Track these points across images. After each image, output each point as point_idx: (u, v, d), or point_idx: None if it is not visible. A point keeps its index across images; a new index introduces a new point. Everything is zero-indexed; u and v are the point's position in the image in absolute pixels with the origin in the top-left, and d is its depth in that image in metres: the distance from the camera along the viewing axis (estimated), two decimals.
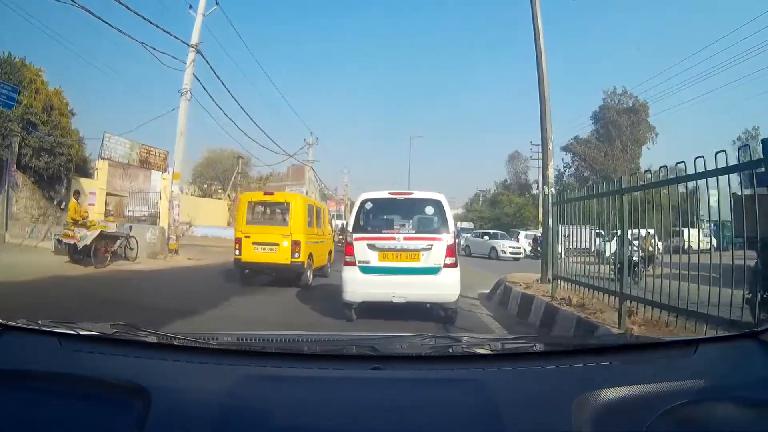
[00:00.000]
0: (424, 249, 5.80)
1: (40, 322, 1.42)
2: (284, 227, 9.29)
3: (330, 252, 11.75)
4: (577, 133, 42.92)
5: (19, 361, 1.27)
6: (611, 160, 39.11)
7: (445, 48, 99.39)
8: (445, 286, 5.75)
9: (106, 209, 20.82)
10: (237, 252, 9.10)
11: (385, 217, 6.33)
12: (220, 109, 21.56)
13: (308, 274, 9.28)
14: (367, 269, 5.83)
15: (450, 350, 1.40)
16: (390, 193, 6.25)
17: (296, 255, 8.97)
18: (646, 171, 5.18)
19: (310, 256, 9.44)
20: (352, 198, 53.90)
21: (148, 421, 1.02)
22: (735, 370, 1.28)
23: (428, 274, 5.75)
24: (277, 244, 9.02)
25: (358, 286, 5.81)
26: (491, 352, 1.40)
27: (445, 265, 5.77)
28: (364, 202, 6.19)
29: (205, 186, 37.38)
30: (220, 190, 36.03)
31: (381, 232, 5.96)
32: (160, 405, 1.06)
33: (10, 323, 1.37)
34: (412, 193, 6.26)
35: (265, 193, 10.22)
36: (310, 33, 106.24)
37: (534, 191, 42.74)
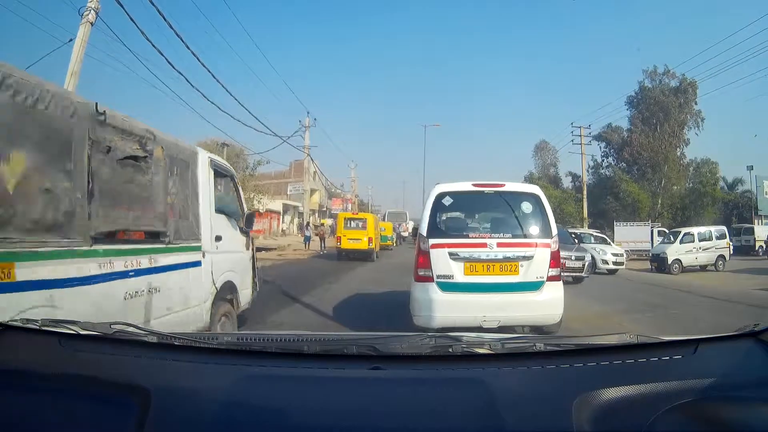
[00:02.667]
0: (523, 259, 4.56)
1: (40, 321, 1.42)
2: (364, 231, 17.95)
3: (378, 244, 20.26)
4: (610, 120, 38.30)
5: (19, 361, 1.27)
6: (655, 148, 34.18)
7: (459, 30, 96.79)
8: (548, 305, 4.56)
9: None
10: (339, 244, 18.11)
11: (470, 216, 5.08)
12: (202, 94, 19.42)
13: (375, 254, 18.44)
14: (448, 286, 4.50)
15: (450, 350, 1.40)
16: (474, 185, 4.85)
17: (370, 245, 17.96)
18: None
19: (376, 245, 18.75)
20: (359, 196, 52.40)
21: (148, 421, 1.02)
22: (735, 370, 1.28)
23: (527, 290, 4.54)
24: (360, 239, 17.81)
25: (436, 309, 4.46)
26: (491, 352, 1.40)
27: (549, 279, 4.57)
28: (440, 196, 4.80)
29: None
30: None
31: (467, 237, 4.66)
32: (160, 405, 1.06)
33: (10, 323, 1.37)
34: (503, 185, 4.92)
35: (353, 213, 21.76)
36: (314, 15, 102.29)
37: (565, 184, 39.90)
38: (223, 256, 4.51)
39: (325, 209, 47.03)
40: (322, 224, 29.80)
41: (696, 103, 34.15)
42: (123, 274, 3.11)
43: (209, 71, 17.16)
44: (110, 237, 3.03)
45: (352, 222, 18.40)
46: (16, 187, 2.34)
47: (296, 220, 35.48)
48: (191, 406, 1.08)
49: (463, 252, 4.55)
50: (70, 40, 9.72)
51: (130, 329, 1.46)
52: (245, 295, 5.10)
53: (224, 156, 25.65)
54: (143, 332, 1.43)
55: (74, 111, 2.75)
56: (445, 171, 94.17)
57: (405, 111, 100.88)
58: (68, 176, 2.68)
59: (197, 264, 4.03)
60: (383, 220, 31.89)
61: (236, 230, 4.99)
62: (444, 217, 4.87)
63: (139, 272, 3.27)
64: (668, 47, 62.22)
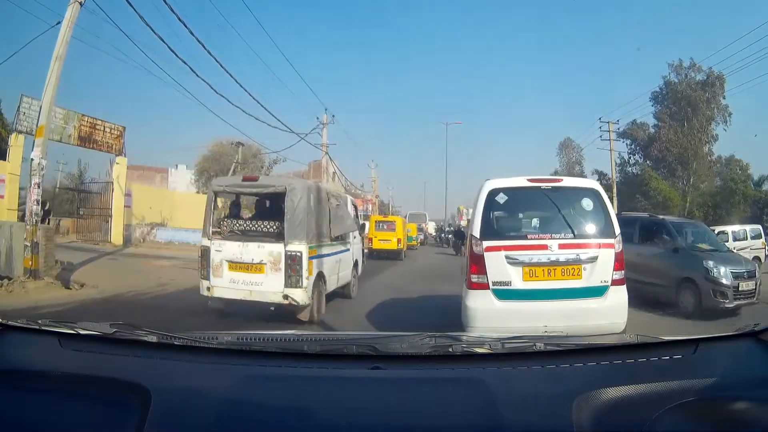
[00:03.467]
0: (587, 261, 4.13)
1: (40, 321, 1.42)
2: (393, 232, 19.59)
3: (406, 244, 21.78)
4: (635, 116, 35.94)
5: (19, 361, 1.27)
6: (683, 144, 32.53)
7: (478, 28, 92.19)
8: (613, 312, 4.09)
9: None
10: (370, 244, 17.88)
11: (526, 215, 4.67)
12: (208, 84, 13.35)
13: (403, 254, 19.86)
14: (506, 294, 4.09)
15: (450, 350, 1.40)
16: (529, 180, 4.42)
17: (399, 245, 19.48)
18: None
19: (404, 245, 20.39)
20: (380, 196, 50.42)
21: (148, 421, 1.02)
22: (735, 370, 1.28)
23: (591, 296, 4.11)
24: (390, 240, 19.36)
25: (493, 320, 4.04)
26: (491, 352, 1.40)
27: (614, 282, 4.13)
28: (492, 193, 4.34)
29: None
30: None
31: (525, 238, 4.23)
32: (160, 405, 1.06)
33: (10, 323, 1.37)
34: (561, 180, 4.59)
35: (383, 216, 24.18)
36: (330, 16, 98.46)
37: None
38: (355, 247, 8.59)
39: None
40: None
41: (724, 98, 32.26)
42: (336, 252, 7.24)
43: (214, 58, 15.44)
44: (335, 238, 7.26)
45: (382, 224, 20.31)
46: (326, 223, 6.87)
47: None
48: (191, 406, 1.08)
49: (522, 255, 4.12)
50: (58, 23, 8.97)
51: (130, 329, 1.46)
52: (360, 266, 9.12)
53: (239, 155, 24.56)
54: (143, 332, 1.43)
55: (327, 193, 7.16)
56: (468, 171, 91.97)
57: (425, 110, 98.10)
58: (327, 216, 6.88)
59: (348, 250, 8.04)
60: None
61: (357, 233, 8.90)
62: (498, 217, 4.42)
63: (339, 252, 7.40)
64: (692, 42, 59.96)
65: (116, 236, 17.28)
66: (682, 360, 1.30)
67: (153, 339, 1.40)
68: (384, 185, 53.39)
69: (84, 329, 1.39)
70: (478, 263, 4.16)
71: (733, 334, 1.37)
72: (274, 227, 5.96)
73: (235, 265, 5.71)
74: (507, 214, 4.52)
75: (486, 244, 4.18)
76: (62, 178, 27.31)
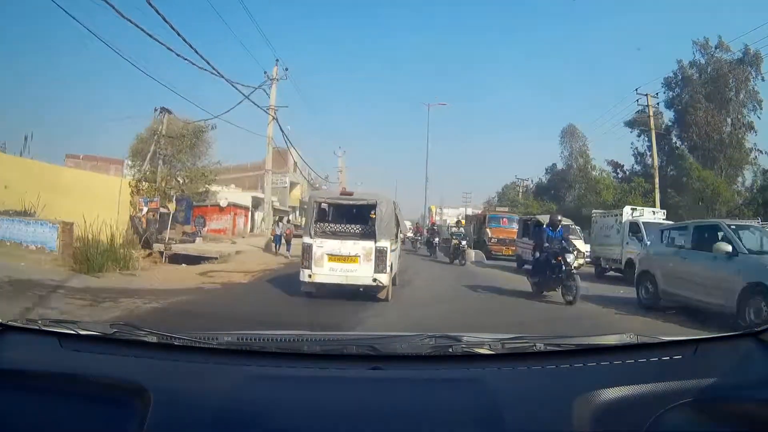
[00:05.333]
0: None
1: (40, 321, 1.42)
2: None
3: None
4: (644, 104, 28.98)
5: (19, 361, 1.27)
6: (718, 130, 28.04)
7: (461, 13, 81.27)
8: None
9: None
10: None
11: None
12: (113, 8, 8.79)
13: None
14: None
15: (450, 350, 1.40)
16: None
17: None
18: None
19: None
20: (349, 189, 46.04)
21: (148, 421, 1.02)
22: (735, 370, 1.28)
23: None
24: None
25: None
26: (491, 352, 1.40)
27: None
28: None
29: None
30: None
31: None
32: (160, 405, 1.06)
33: (10, 323, 1.37)
34: None
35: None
36: None
37: (597, 174, 33.14)
38: (396, 246, 9.11)
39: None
40: (288, 221, 22.31)
41: (762, 79, 27.27)
42: (396, 248, 8.91)
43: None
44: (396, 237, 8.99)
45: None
46: (395, 227, 8.51)
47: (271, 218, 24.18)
48: (191, 406, 1.08)
49: None
50: None
51: (130, 329, 1.46)
52: (396, 265, 9.20)
53: (164, 125, 17.05)
54: (143, 332, 1.43)
55: (396, 206, 8.52)
56: (451, 161, 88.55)
57: (406, 90, 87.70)
58: (395, 221, 8.45)
59: (396, 250, 8.78)
60: None
61: (396, 234, 9.17)
62: None
63: (397, 248, 9.19)
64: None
65: None
66: (682, 360, 1.30)
67: (153, 339, 1.40)
68: (353, 176, 46.76)
69: (84, 329, 1.39)
70: None
71: (733, 334, 1.37)
72: (362, 229, 7.99)
73: (335, 257, 7.47)
74: None
75: None
76: None
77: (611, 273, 13.74)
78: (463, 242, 16.06)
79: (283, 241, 17.09)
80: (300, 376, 1.24)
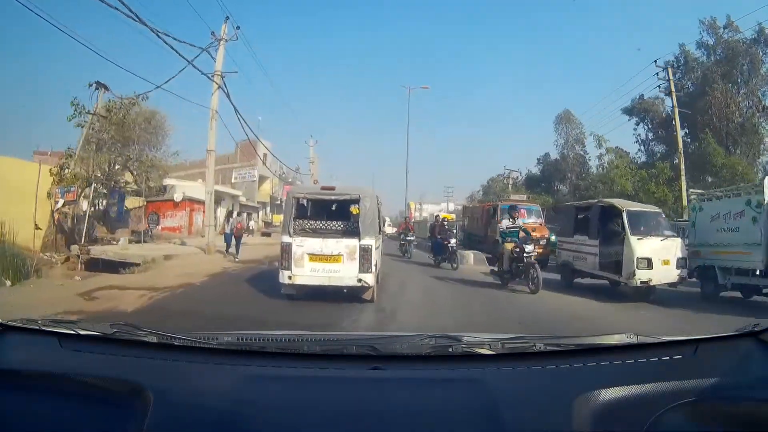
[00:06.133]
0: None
1: (40, 321, 1.42)
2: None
3: None
4: (643, 90, 28.35)
5: (19, 361, 1.27)
6: (740, 111, 25.89)
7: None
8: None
9: None
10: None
11: None
12: None
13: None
14: None
15: (450, 350, 1.40)
16: None
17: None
18: None
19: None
20: (320, 182, 37.53)
21: (148, 421, 1.02)
22: (735, 370, 1.28)
23: None
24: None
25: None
26: (491, 352, 1.40)
27: None
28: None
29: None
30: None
31: None
32: (160, 405, 1.06)
33: (10, 323, 1.37)
34: None
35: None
36: None
37: (593, 169, 31.38)
38: (380, 243, 8.48)
39: (279, 201, 35.04)
40: (238, 216, 17.71)
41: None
42: (380, 245, 8.30)
43: None
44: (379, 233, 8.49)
45: None
46: (378, 222, 7.98)
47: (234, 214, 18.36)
48: (191, 406, 1.08)
49: None
50: None
51: (130, 329, 1.46)
52: (380, 262, 8.52)
53: (100, 101, 14.30)
54: (143, 332, 1.43)
55: (378, 200, 7.93)
56: (432, 155, 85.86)
57: (386, 74, 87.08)
58: (378, 216, 8.14)
59: (379, 247, 8.22)
60: None
61: (378, 230, 8.28)
62: None
63: (380, 245, 8.53)
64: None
65: None
66: (682, 360, 1.30)
67: (153, 339, 1.40)
68: (326, 168, 45.14)
69: (84, 329, 1.39)
70: None
71: (733, 334, 1.37)
72: (344, 226, 7.48)
73: (316, 257, 6.89)
74: None
75: None
76: None
77: (729, 292, 8.18)
78: (452, 241, 13.18)
79: (233, 240, 14.14)
80: (300, 376, 1.24)
